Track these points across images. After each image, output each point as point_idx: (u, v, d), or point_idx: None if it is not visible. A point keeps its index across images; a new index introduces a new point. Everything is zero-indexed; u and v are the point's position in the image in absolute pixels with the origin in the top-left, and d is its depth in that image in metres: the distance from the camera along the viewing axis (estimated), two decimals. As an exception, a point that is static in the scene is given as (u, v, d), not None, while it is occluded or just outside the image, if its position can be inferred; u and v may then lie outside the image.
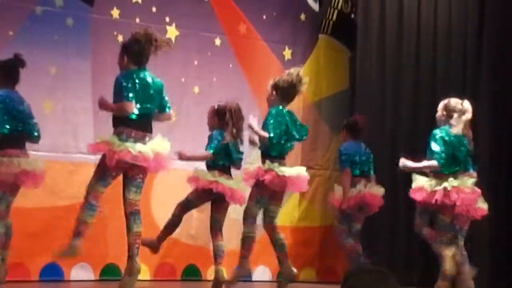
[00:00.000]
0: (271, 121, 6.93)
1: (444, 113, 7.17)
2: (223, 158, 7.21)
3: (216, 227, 7.19)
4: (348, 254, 8.01)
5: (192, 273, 8.69)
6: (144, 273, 8.40)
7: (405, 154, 7.44)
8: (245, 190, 7.16)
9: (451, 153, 7.05)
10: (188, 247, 8.69)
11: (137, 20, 8.58)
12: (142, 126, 6.13)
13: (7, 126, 6.30)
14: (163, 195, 8.56)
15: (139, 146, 6.01)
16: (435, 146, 7.04)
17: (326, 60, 9.80)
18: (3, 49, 7.83)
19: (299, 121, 7.30)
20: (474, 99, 9.10)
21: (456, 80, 9.24)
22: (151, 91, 6.21)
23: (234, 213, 7.69)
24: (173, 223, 7.11)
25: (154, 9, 8.70)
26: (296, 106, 9.18)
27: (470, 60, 9.27)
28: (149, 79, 6.22)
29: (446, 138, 7.07)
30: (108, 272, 8.19)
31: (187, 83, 8.90)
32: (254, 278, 8.90)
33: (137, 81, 6.09)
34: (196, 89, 8.95)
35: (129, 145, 5.97)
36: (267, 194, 6.95)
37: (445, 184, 6.96)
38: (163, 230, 7.14)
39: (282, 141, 6.97)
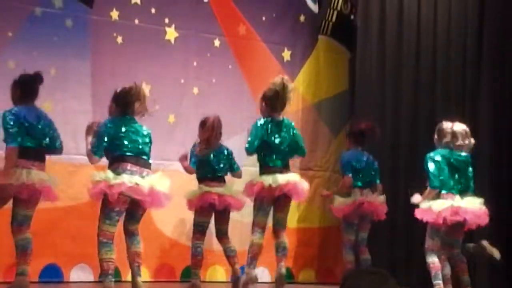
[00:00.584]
0: (251, 132, 6.96)
1: (436, 137, 7.25)
2: (207, 170, 7.57)
3: (219, 235, 7.64)
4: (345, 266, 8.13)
5: (191, 274, 8.66)
6: (144, 274, 8.40)
7: (413, 189, 7.48)
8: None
9: (448, 174, 7.09)
10: (187, 248, 8.65)
11: (136, 21, 8.59)
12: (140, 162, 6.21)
13: (19, 139, 6.28)
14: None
15: (135, 179, 6.06)
16: (430, 168, 7.09)
17: (326, 61, 9.80)
18: (3, 50, 7.85)
19: (293, 133, 7.15)
20: (473, 99, 9.13)
21: (456, 80, 9.24)
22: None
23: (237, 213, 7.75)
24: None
25: (153, 10, 8.70)
26: (296, 107, 9.22)
27: (470, 60, 9.26)
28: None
29: (440, 160, 7.09)
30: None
31: (187, 84, 8.90)
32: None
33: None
34: (196, 90, 8.95)
35: (126, 177, 6.03)
36: (264, 203, 6.97)
37: (452, 202, 7.03)
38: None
39: (263, 153, 6.98)
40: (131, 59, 8.52)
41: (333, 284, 8.69)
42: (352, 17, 9.83)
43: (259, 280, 7.26)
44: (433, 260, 7.05)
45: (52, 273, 7.87)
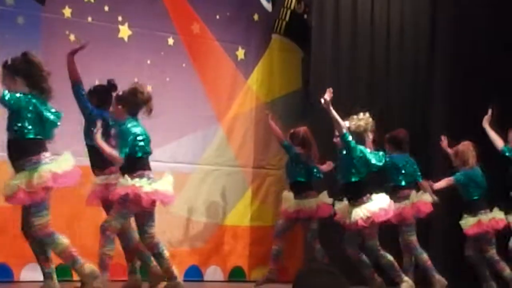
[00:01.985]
0: None
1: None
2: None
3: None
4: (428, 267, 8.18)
5: (144, 273, 8.63)
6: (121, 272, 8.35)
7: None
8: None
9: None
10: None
11: (89, 19, 8.52)
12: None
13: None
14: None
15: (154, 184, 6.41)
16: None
17: (279, 60, 9.82)
18: (-47, 47, 7.73)
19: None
20: (426, 99, 9.25)
21: (409, 80, 9.36)
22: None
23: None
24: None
25: (106, 8, 8.63)
26: (249, 106, 9.23)
27: (422, 59, 9.37)
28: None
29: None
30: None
31: (140, 83, 8.83)
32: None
33: None
34: (149, 89, 8.90)
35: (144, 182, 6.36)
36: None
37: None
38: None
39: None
40: (84, 57, 8.38)
41: (286, 283, 8.71)
42: (305, 16, 9.87)
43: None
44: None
45: (2, 273, 7.78)
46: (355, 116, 7.37)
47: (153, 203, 6.40)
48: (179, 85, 9.02)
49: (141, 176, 6.35)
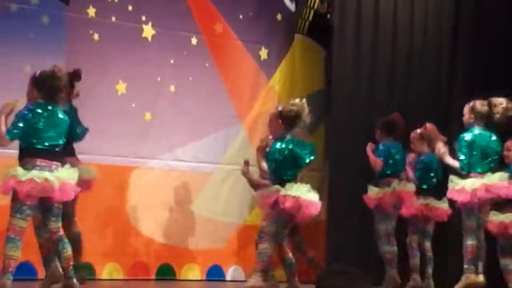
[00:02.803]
0: None
1: (472, 115, 7.14)
2: None
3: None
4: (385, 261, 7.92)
5: (166, 272, 8.69)
6: (118, 272, 8.40)
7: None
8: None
9: (479, 153, 7.04)
10: (162, 246, 8.68)
11: (113, 19, 8.56)
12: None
13: None
14: (138, 194, 8.56)
15: (46, 174, 5.77)
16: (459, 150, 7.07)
17: (302, 60, 9.81)
18: (-22, 47, 7.80)
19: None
20: (448, 99, 9.21)
21: (431, 78, 9.31)
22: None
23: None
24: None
25: (130, 8, 8.67)
26: (271, 106, 9.22)
27: (445, 60, 9.33)
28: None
29: (471, 140, 7.04)
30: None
31: (163, 82, 8.88)
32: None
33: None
34: (172, 88, 8.93)
35: (35, 173, 5.76)
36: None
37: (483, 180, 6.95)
38: None
39: None
40: (107, 56, 8.50)
41: (306, 283, 8.70)
42: (328, 16, 9.85)
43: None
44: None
45: (25, 271, 7.82)
46: (291, 101, 7.11)
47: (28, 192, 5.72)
48: (202, 84, 9.04)
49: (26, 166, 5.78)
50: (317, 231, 9.09)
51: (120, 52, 8.57)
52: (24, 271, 7.38)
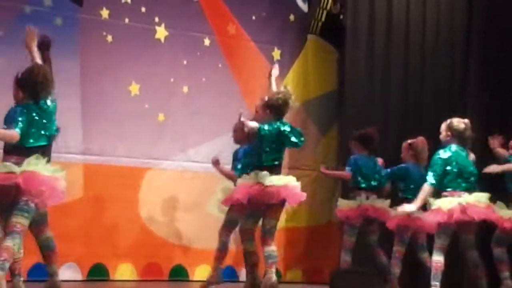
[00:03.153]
0: None
1: (449, 133, 7.07)
2: None
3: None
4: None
5: (179, 273, 8.70)
6: (131, 273, 8.42)
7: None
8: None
9: (455, 171, 6.97)
10: (175, 247, 8.70)
11: (126, 20, 8.59)
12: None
13: None
14: (151, 195, 8.57)
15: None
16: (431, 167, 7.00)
17: (315, 61, 9.81)
18: (-8, 49, 7.83)
19: None
20: (462, 98, 9.19)
21: (444, 79, 9.29)
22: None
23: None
24: None
25: (143, 10, 8.70)
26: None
27: (458, 59, 9.31)
28: None
29: (448, 157, 6.96)
30: (96, 272, 8.20)
31: (176, 83, 8.90)
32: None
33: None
34: (185, 89, 8.95)
35: None
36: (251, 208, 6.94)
37: (460, 200, 6.87)
38: None
39: None
40: (120, 58, 8.52)
41: (320, 284, 8.71)
42: (341, 17, 9.84)
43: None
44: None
45: (39, 272, 7.85)
46: (276, 90, 7.09)
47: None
48: (215, 85, 9.06)
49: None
50: (330, 233, 9.09)
51: (133, 54, 8.60)
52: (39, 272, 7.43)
